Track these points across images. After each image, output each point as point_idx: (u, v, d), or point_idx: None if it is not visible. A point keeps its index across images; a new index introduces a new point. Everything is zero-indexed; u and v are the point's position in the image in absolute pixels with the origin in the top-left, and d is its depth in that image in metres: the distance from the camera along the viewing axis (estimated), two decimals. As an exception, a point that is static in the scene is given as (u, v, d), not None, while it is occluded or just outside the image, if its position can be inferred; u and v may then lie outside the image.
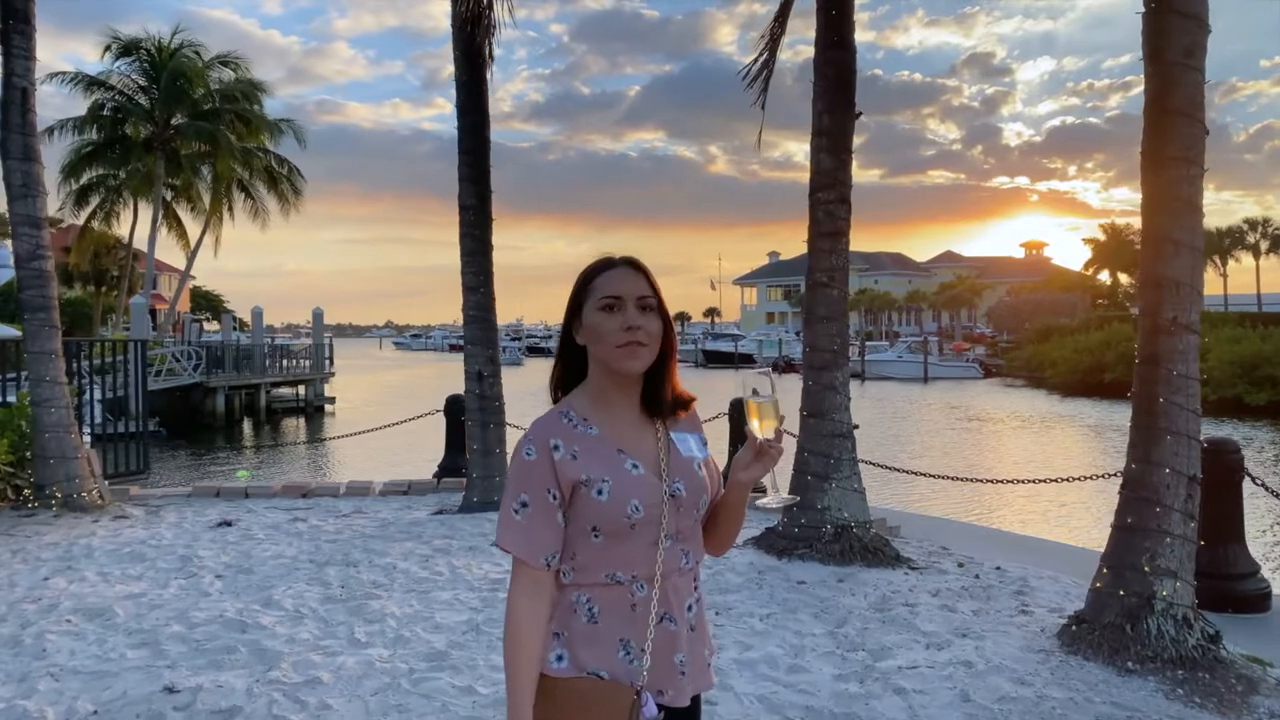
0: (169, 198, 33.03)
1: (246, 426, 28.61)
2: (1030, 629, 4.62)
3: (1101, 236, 72.28)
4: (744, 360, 61.82)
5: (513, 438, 7.39)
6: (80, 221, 33.80)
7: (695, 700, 1.63)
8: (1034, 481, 8.21)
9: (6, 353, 10.28)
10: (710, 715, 3.52)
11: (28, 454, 7.60)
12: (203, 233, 33.00)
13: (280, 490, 8.49)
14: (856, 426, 6.38)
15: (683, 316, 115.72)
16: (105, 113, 31.12)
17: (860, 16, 6.35)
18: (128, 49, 30.84)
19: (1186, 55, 4.05)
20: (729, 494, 1.66)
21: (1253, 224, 64.05)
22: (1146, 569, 4.11)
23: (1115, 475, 6.51)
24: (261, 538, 6.62)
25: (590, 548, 1.54)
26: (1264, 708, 3.72)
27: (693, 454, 1.63)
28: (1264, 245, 63.38)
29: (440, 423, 9.44)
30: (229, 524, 7.04)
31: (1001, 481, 9.29)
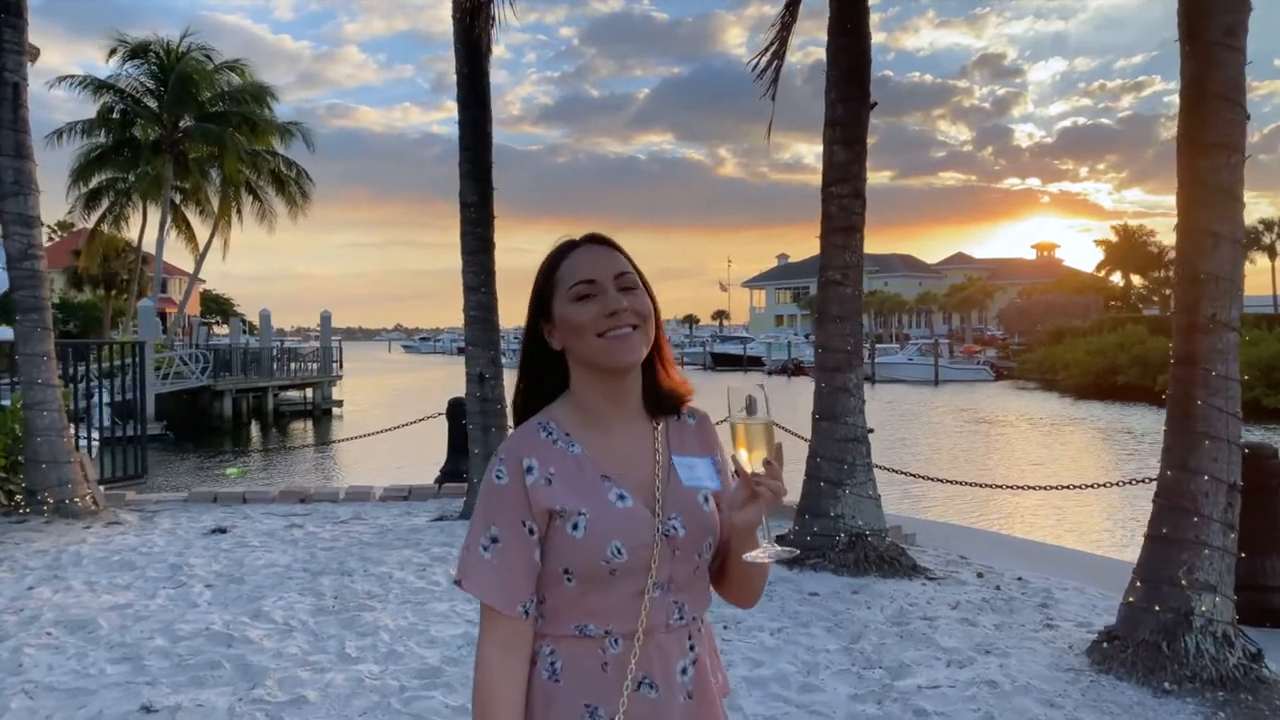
0: (177, 201, 33.02)
1: (254, 429, 28.52)
2: (1057, 645, 4.37)
3: (1114, 238, 71.69)
4: (753, 363, 61.63)
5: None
6: (90, 225, 33.88)
7: None
8: (1055, 488, 7.94)
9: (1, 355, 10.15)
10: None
11: (20, 458, 7.43)
12: (211, 236, 32.98)
13: (278, 496, 8.30)
14: (871, 430, 6.16)
15: (691, 319, 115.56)
16: (114, 116, 31.14)
17: (871, 17, 6.13)
18: (135, 52, 30.83)
19: (1228, 34, 3.80)
20: (731, 540, 1.34)
21: (1268, 224, 63.32)
22: (1184, 583, 3.86)
23: (1141, 482, 6.28)
24: (256, 545, 6.42)
25: (561, 592, 1.28)
26: (1313, 733, 3.47)
27: (699, 484, 1.34)
28: (1280, 245, 62.71)
29: (444, 426, 9.26)
30: (223, 530, 6.85)
31: (1020, 488, 9.03)
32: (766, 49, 7.04)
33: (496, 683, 1.25)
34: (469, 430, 7.74)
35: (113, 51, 30.77)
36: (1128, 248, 67.58)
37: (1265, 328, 34.18)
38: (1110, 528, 11.74)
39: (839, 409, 5.94)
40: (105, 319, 41.75)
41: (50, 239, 31.49)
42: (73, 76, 30.75)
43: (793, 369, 52.25)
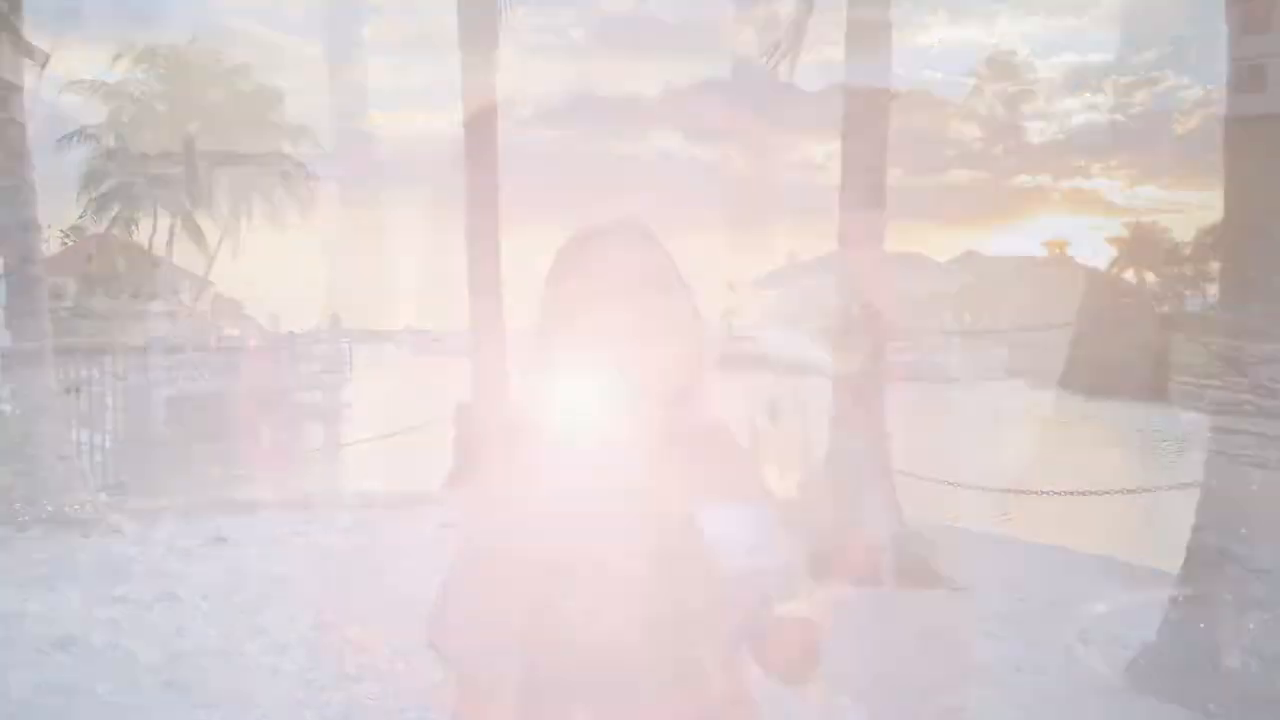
0: (188, 204, 33.04)
1: (264, 432, 28.45)
2: (1092, 662, 4.15)
3: (1126, 235, 71.01)
4: (763, 364, 61.28)
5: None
6: (101, 229, 33.93)
7: None
8: (1085, 494, 7.66)
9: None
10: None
11: (18, 465, 7.29)
12: (221, 238, 33.00)
13: (282, 502, 8.14)
14: (889, 434, 5.95)
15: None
16: (124, 120, 31.19)
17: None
18: (142, 56, 30.90)
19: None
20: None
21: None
22: (1229, 598, 3.63)
23: (1174, 488, 6.02)
24: (256, 554, 6.26)
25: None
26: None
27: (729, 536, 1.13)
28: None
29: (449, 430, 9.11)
30: (224, 539, 6.69)
31: (1044, 493, 8.75)
32: (777, 48, 6.88)
33: None
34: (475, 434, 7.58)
35: (117, 56, 30.90)
36: (1140, 245, 66.88)
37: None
38: (1146, 536, 11.38)
39: (854, 411, 5.73)
40: (115, 323, 41.86)
41: (63, 244, 31.67)
42: (82, 81, 30.87)
43: (804, 370, 51.98)
